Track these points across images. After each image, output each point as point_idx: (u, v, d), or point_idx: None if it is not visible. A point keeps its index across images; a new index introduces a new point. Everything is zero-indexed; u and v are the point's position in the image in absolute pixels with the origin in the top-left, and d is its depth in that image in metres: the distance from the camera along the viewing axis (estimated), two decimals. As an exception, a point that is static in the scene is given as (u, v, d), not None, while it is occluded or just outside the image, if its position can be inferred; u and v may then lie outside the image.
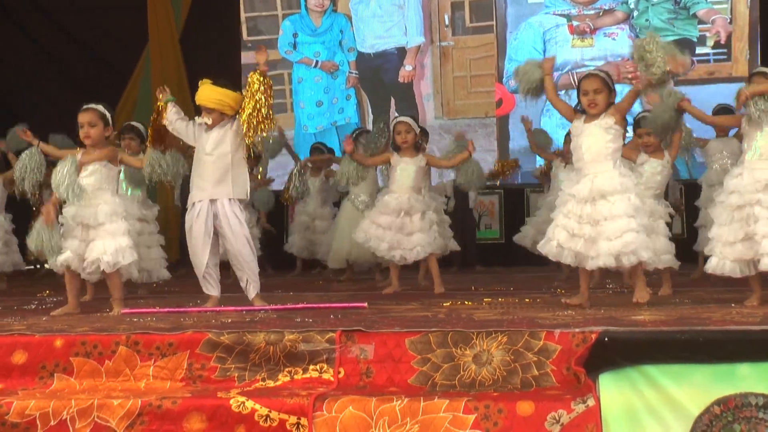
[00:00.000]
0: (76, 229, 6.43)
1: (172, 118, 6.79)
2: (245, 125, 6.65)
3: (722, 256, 6.05)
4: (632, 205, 6.01)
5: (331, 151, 11.53)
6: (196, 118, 6.78)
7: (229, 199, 6.69)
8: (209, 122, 6.66)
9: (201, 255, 6.70)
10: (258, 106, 6.65)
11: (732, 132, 8.75)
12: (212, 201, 6.68)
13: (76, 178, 6.41)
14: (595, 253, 5.99)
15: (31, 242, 6.54)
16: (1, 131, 9.91)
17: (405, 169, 8.07)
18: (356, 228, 8.77)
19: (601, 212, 5.99)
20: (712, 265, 6.11)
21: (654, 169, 7.22)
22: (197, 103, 6.75)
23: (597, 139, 6.09)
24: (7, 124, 12.71)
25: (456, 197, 11.73)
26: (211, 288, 6.75)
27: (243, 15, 13.73)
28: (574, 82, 5.75)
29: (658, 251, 6.83)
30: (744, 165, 6.08)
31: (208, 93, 6.72)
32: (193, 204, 6.73)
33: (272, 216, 11.47)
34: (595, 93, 6.12)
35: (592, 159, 6.09)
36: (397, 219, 7.99)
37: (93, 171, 6.51)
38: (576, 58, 13.03)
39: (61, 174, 6.42)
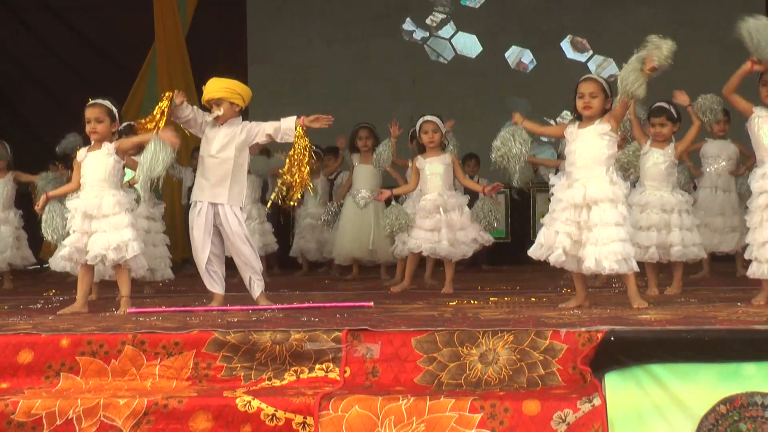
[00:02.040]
0: (78, 221, 6.44)
1: (181, 112, 6.70)
2: (293, 178, 6.77)
3: (758, 258, 6.03)
4: (620, 214, 5.94)
5: (332, 150, 11.43)
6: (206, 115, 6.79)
7: (230, 205, 6.73)
8: (221, 113, 6.67)
9: (201, 253, 6.75)
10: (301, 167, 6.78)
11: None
12: (212, 204, 6.72)
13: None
14: (583, 256, 5.94)
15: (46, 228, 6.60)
16: (7, 129, 9.95)
17: (432, 169, 8.05)
18: (359, 224, 8.82)
19: (593, 219, 5.92)
20: (753, 270, 6.08)
21: (656, 159, 7.22)
22: (205, 99, 6.74)
23: (592, 145, 6.02)
24: (12, 122, 12.76)
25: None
26: (216, 286, 6.76)
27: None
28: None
29: (670, 245, 6.91)
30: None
31: (214, 85, 6.76)
32: (195, 203, 6.78)
33: (278, 220, 11.35)
34: (591, 96, 6.04)
35: (584, 164, 6.01)
36: (440, 217, 7.97)
37: (98, 163, 6.50)
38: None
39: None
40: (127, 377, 4.80)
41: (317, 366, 4.74)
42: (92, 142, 6.61)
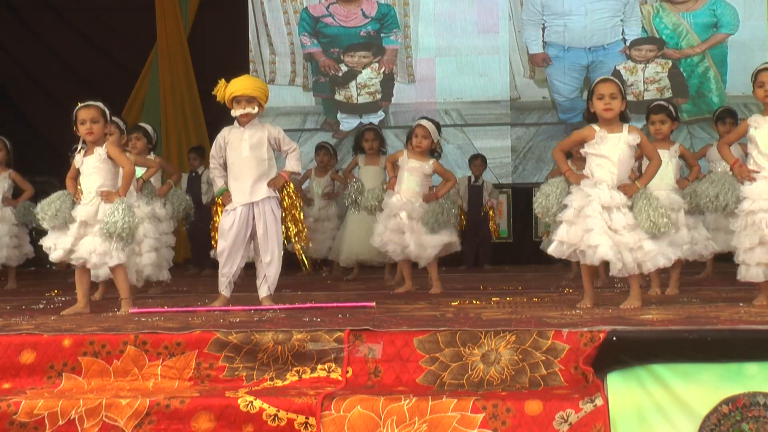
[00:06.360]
0: (74, 227, 6.39)
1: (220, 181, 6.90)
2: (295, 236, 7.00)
3: (745, 262, 6.03)
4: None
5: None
6: (225, 129, 6.83)
7: (269, 197, 6.73)
8: (254, 111, 6.67)
9: (236, 256, 6.74)
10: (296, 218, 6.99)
11: None
12: (252, 203, 6.72)
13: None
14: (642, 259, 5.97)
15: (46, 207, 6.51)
16: (8, 129, 9.94)
17: (412, 172, 7.98)
18: (365, 226, 8.80)
19: (622, 221, 5.94)
20: (742, 274, 6.08)
21: (662, 159, 7.20)
22: (236, 94, 6.65)
23: (624, 154, 6.03)
24: (14, 121, 12.73)
25: (470, 197, 11.74)
26: (228, 289, 6.77)
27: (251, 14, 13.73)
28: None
29: (677, 243, 6.89)
30: (761, 173, 6.04)
31: (249, 83, 6.76)
32: (229, 210, 6.75)
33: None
34: (611, 98, 6.01)
35: (618, 171, 6.01)
36: (405, 221, 7.95)
37: (95, 169, 6.46)
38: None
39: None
40: (129, 377, 4.80)
41: (319, 366, 4.74)
42: (84, 144, 6.56)
